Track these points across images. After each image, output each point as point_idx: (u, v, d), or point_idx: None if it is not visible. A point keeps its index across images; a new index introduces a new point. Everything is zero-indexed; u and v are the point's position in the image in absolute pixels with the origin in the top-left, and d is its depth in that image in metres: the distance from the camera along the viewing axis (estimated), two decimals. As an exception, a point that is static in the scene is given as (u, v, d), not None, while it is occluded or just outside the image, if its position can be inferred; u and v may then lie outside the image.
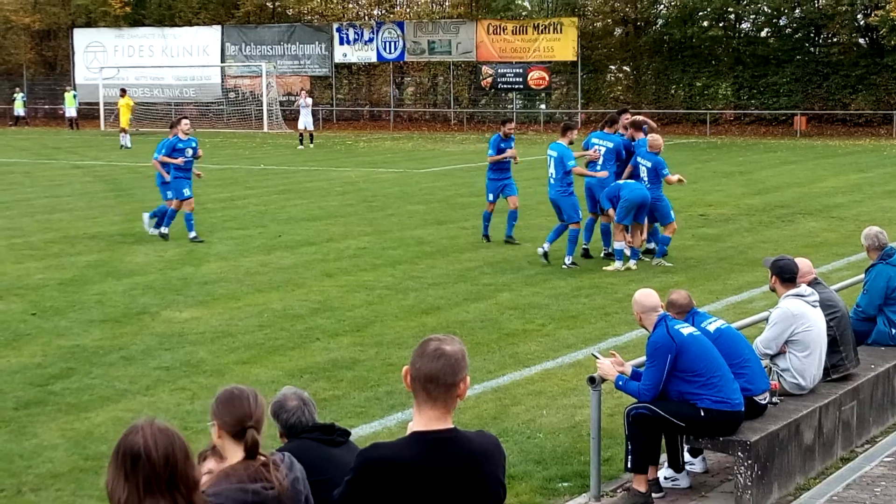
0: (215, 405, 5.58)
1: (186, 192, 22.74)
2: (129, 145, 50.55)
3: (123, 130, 51.93)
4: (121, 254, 21.09)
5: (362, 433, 10.28)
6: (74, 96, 67.76)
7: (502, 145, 22.10)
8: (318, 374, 12.67)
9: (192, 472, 4.54)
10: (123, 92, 54.89)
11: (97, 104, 66.19)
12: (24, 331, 14.87)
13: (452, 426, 4.97)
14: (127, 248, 21.78)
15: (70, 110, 67.79)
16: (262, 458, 5.39)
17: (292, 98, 68.91)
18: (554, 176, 19.59)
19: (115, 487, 4.44)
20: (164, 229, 22.65)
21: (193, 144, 23.15)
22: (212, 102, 69.81)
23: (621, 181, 19.65)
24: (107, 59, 70.48)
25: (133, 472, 4.41)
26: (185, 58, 69.97)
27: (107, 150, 49.63)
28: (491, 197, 22.11)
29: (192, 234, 22.45)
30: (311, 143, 51.65)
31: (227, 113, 68.88)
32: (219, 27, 69.94)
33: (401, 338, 14.30)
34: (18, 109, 70.78)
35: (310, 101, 54.03)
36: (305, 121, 52.06)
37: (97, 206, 28.79)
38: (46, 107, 75.81)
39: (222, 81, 70.00)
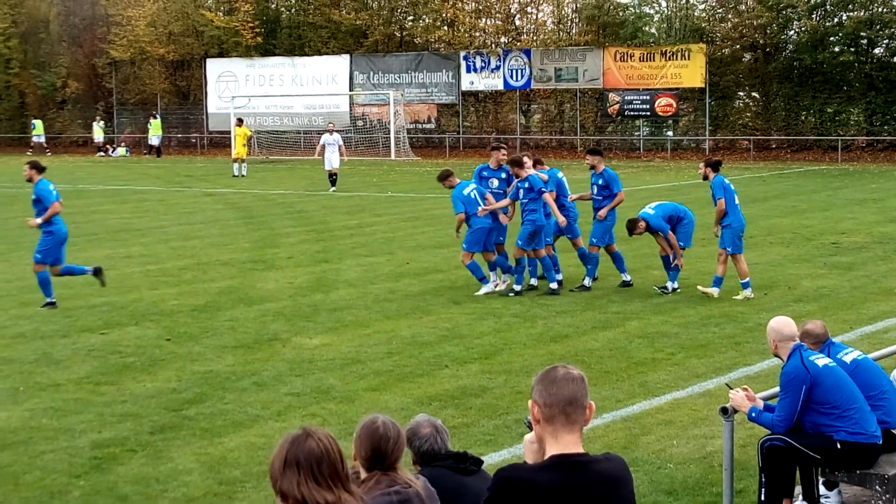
0: (357, 434, 5.87)
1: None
2: (244, 173, 51.21)
3: (238, 159, 52.44)
4: (252, 280, 21.39)
5: (491, 461, 10.25)
6: (159, 124, 69.02)
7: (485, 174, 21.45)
8: (446, 402, 12.70)
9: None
10: (240, 121, 55.65)
11: (228, 133, 67.29)
12: (159, 356, 15.16)
13: (584, 451, 4.99)
14: (258, 274, 22.10)
15: (154, 139, 68.95)
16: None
17: (420, 126, 69.38)
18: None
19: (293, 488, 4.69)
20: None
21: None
22: (340, 130, 70.51)
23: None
24: (238, 89, 71.70)
25: (313, 471, 4.71)
26: (315, 86, 70.87)
27: (238, 178, 50.42)
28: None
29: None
30: (333, 186, 43.36)
31: (355, 140, 69.54)
32: (347, 56, 70.73)
33: (529, 366, 14.26)
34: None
35: (337, 136, 45.66)
36: (330, 159, 43.87)
37: (228, 233, 29.27)
38: (179, 135, 77.33)
39: (350, 109, 70.70)
